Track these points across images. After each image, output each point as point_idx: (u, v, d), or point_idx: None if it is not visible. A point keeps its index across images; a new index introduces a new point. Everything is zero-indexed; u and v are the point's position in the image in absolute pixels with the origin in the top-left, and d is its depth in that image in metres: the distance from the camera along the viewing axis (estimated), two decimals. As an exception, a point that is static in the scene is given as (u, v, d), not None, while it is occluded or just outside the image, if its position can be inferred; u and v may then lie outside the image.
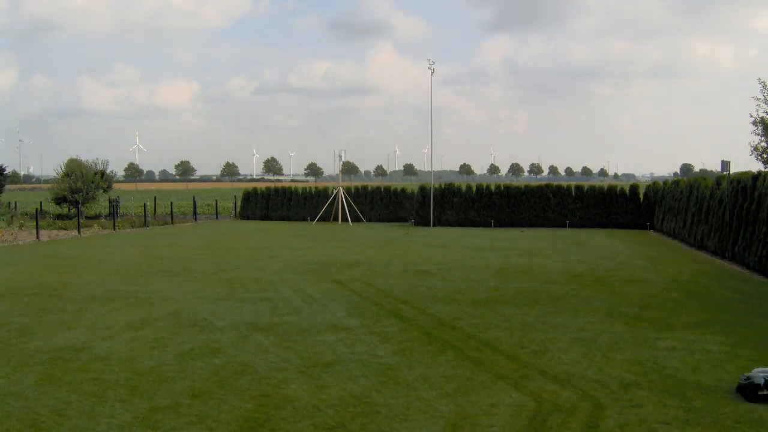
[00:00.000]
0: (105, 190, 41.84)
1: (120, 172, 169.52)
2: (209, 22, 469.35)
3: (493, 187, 35.06)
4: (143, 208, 38.19)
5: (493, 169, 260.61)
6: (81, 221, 31.90)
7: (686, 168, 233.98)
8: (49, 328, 10.78)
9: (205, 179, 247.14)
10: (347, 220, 37.14)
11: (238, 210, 42.88)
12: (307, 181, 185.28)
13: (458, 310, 12.10)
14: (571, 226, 33.21)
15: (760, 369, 7.48)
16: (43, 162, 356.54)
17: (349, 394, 7.45)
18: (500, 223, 33.92)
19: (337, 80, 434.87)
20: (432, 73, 35.27)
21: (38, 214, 30.07)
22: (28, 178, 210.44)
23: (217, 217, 42.82)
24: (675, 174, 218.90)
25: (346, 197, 37.88)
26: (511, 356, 9.00)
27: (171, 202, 41.82)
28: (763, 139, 29.08)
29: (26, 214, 40.81)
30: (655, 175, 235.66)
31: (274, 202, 40.28)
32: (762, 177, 17.18)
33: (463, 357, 8.97)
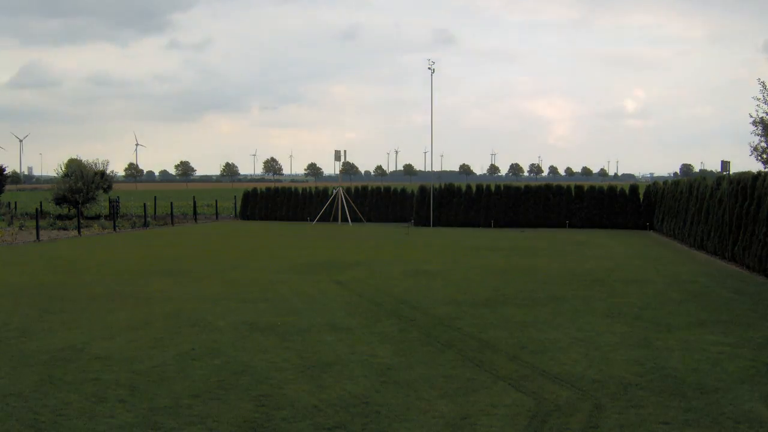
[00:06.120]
0: (105, 190, 41.85)
1: (120, 172, 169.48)
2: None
3: (493, 188, 35.05)
4: (143, 208, 38.20)
5: (493, 169, 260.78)
6: (81, 221, 31.89)
7: (686, 168, 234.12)
8: (49, 328, 10.77)
9: (205, 179, 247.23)
10: (347, 221, 37.13)
11: (238, 210, 42.87)
12: (306, 182, 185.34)
13: (458, 310, 12.09)
14: (571, 226, 33.20)
15: None
16: (44, 162, 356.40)
17: (349, 394, 7.45)
18: (500, 224, 33.91)
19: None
20: (432, 72, 35.27)
21: (38, 215, 30.05)
22: (28, 178, 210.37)
23: (217, 218, 42.81)
24: (675, 174, 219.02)
25: (346, 197, 37.86)
26: (511, 356, 9.00)
27: (171, 203, 41.77)
28: (763, 139, 29.08)
29: (26, 214, 40.80)
30: (655, 175, 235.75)
31: (274, 203, 40.25)
32: (762, 177, 17.18)
33: (463, 357, 8.97)
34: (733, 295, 13.82)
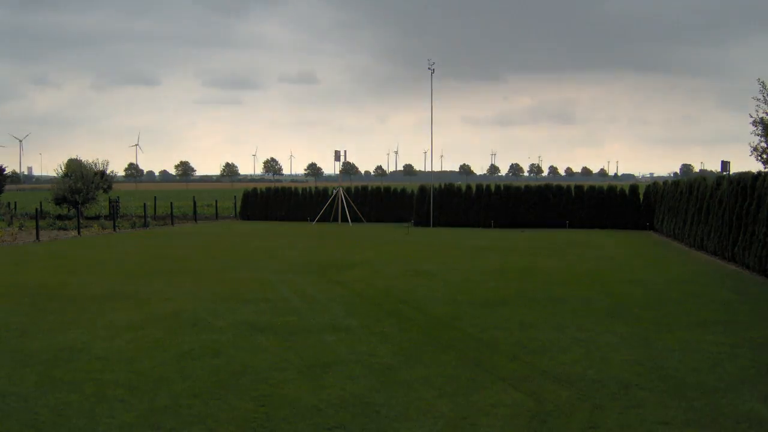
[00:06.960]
0: (105, 191, 41.85)
1: (120, 173, 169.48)
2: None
3: (492, 188, 35.05)
4: (143, 208, 38.20)
5: (494, 170, 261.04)
6: (81, 221, 31.90)
7: (686, 168, 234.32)
8: (49, 328, 10.77)
9: (205, 179, 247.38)
10: (347, 221, 37.13)
11: (238, 210, 42.88)
12: (306, 182, 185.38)
13: (458, 310, 12.09)
14: (571, 226, 33.19)
15: None
16: (43, 162, 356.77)
17: (349, 394, 7.45)
18: (500, 224, 33.90)
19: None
20: (432, 72, 35.26)
21: (38, 215, 30.05)
22: (28, 178, 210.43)
23: (217, 218, 42.80)
24: (675, 174, 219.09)
25: (346, 197, 37.87)
26: (511, 356, 9.00)
27: (171, 203, 41.78)
28: (763, 139, 29.09)
29: (26, 214, 40.83)
30: (655, 175, 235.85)
31: (274, 203, 40.26)
32: (762, 177, 17.18)
33: (463, 357, 8.97)
34: (733, 295, 13.83)
